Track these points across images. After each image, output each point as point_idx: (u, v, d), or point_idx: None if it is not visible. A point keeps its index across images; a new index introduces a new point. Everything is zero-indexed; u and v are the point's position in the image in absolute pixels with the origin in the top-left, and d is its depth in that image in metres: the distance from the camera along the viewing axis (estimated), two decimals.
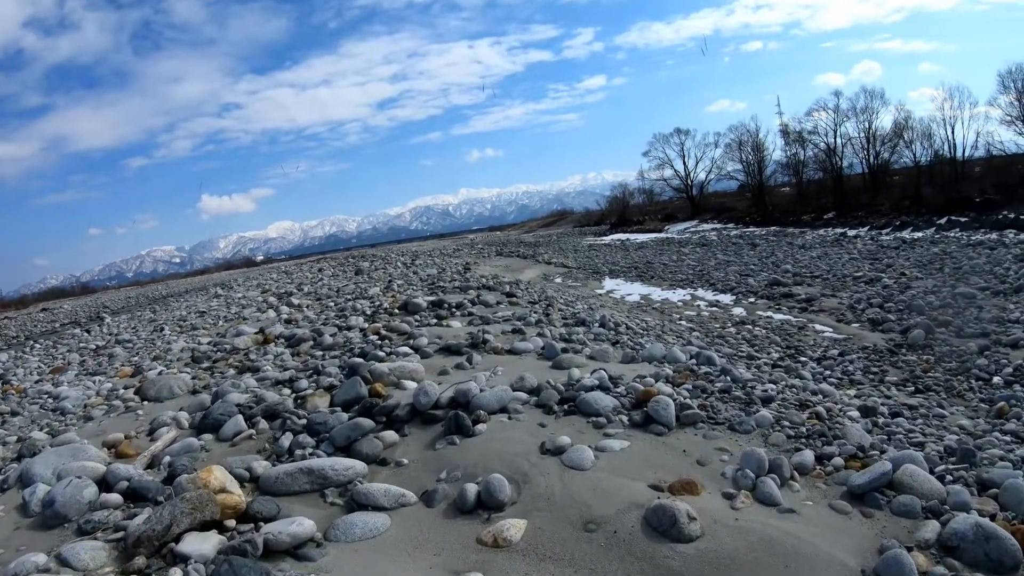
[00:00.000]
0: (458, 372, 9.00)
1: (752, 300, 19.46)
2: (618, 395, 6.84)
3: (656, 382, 7.32)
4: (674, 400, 6.41)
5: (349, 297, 18.08)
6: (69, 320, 40.95)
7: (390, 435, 6.66)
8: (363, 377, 8.23)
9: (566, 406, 6.69)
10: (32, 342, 27.17)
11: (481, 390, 7.02)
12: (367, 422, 6.73)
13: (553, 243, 52.48)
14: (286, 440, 6.78)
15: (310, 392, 8.37)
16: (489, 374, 8.44)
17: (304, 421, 7.18)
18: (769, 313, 17.71)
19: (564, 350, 9.64)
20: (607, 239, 54.17)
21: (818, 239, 35.32)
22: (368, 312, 14.85)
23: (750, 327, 16.06)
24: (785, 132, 55.34)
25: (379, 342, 11.03)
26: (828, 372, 11.47)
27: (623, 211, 72.30)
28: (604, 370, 7.81)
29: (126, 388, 10.85)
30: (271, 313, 17.13)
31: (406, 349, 10.41)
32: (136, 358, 14.49)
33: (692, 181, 67.43)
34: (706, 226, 54.78)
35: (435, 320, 13.17)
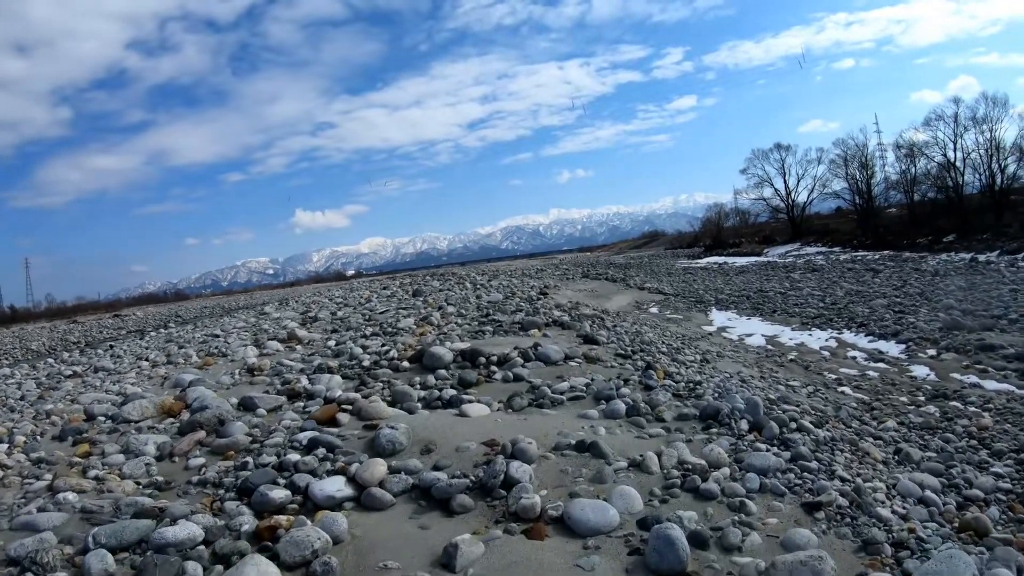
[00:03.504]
0: None
1: (934, 353, 12.73)
2: None
3: None
4: None
5: (368, 332, 12.20)
6: (136, 328, 37.14)
7: None
8: None
9: None
10: (48, 358, 22.51)
11: None
12: None
13: (645, 265, 45.64)
14: None
15: None
16: None
17: None
18: (972, 378, 11.04)
19: (697, 540, 3.54)
20: (703, 262, 47.10)
21: (945, 265, 27.99)
22: (365, 364, 8.98)
23: (958, 405, 9.50)
24: (898, 146, 46.84)
25: (303, 458, 5.10)
26: None
27: (717, 233, 64.85)
28: None
29: None
30: (250, 352, 11.44)
31: (338, 485, 4.51)
32: (51, 406, 9.25)
33: (793, 200, 59.34)
34: (809, 249, 47.17)
35: (455, 390, 7.26)
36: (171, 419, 7.20)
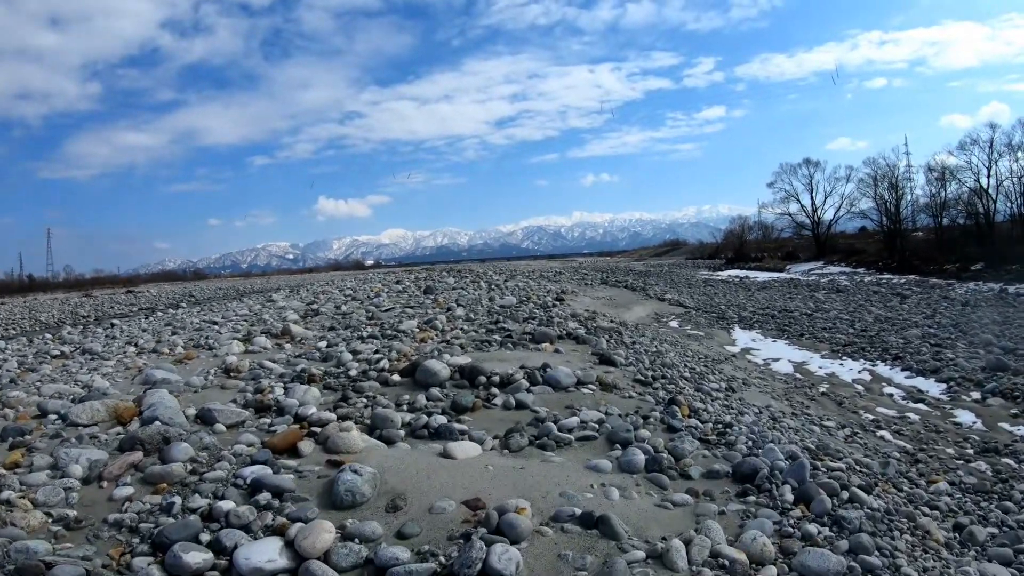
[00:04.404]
0: None
1: (978, 396, 11.45)
2: None
3: None
4: None
5: (365, 333, 11.17)
6: (147, 306, 36.49)
7: None
8: None
9: None
10: (46, 333, 21.69)
11: None
12: None
13: (665, 274, 44.28)
14: None
15: None
16: None
17: None
18: (1023, 429, 9.84)
19: None
20: (723, 275, 45.71)
21: (975, 294, 26.46)
22: (352, 373, 7.96)
23: (1011, 463, 8.32)
24: (929, 169, 45.13)
25: (237, 508, 4.04)
26: None
27: (740, 246, 63.48)
28: None
29: None
30: (235, 348, 10.47)
31: (270, 552, 3.53)
32: (16, 394, 8.25)
33: (819, 218, 57.73)
34: (833, 268, 45.78)
35: (446, 416, 6.22)
36: (120, 428, 6.21)
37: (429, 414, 6.22)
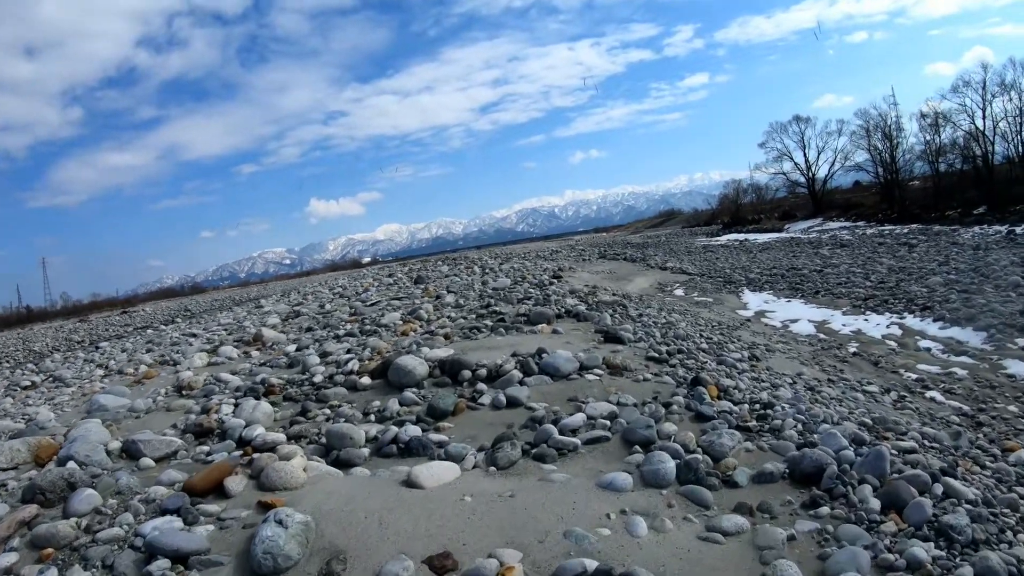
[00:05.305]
0: None
1: None
2: None
3: None
4: None
5: (342, 332, 9.98)
6: (142, 324, 35.34)
7: None
8: None
9: None
10: (28, 362, 20.58)
11: None
12: None
13: (663, 244, 42.79)
14: None
15: None
16: None
17: None
18: None
19: None
20: (722, 239, 44.21)
21: (983, 238, 25.09)
22: (316, 380, 6.77)
23: None
24: (922, 115, 43.41)
25: None
26: None
27: (736, 210, 61.86)
28: None
29: None
30: (196, 361, 9.31)
31: None
32: None
33: (814, 174, 56.04)
34: (833, 224, 44.29)
35: (422, 425, 5.05)
36: (38, 470, 5.02)
37: (401, 423, 5.01)
